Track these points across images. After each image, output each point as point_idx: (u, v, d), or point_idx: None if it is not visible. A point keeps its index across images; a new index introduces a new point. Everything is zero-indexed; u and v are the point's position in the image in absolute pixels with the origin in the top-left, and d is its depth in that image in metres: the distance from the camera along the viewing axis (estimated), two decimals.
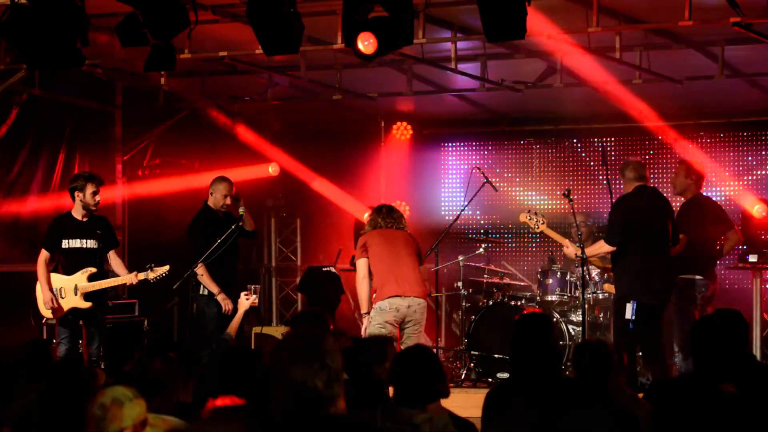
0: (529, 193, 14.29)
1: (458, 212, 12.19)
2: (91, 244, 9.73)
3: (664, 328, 9.51)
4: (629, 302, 9.04)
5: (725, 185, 13.20)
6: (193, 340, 10.00)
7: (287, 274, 15.17)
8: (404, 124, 14.45)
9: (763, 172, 13.32)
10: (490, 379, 10.97)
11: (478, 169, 12.44)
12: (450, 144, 14.69)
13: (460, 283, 11.78)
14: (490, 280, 12.12)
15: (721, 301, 9.95)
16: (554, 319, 10.83)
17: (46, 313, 9.82)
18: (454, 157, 14.70)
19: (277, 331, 11.86)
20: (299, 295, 14.71)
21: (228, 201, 10.15)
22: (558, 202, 13.66)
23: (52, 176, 11.95)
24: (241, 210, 9.98)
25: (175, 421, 4.91)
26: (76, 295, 9.62)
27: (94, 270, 9.67)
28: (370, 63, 8.93)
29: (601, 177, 13.15)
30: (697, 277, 9.81)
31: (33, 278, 10.12)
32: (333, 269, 13.30)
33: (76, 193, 9.71)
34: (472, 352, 11.18)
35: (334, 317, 11.35)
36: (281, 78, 11.82)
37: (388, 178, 14.52)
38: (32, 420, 4.93)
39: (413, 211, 14.37)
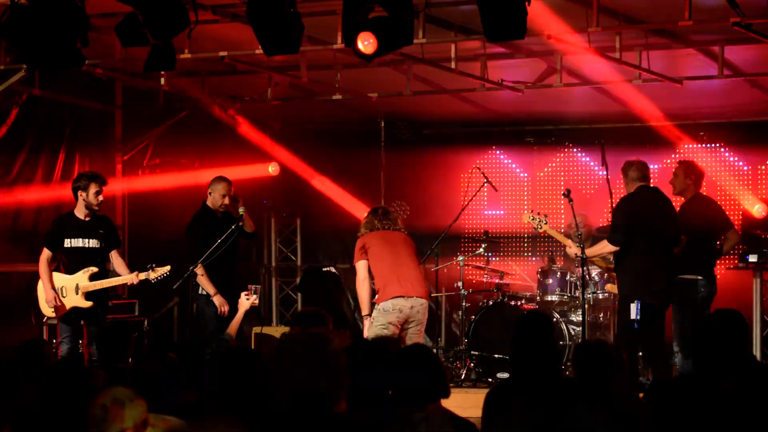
0: (529, 193, 14.29)
1: (458, 212, 12.18)
2: (93, 243, 9.74)
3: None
4: (633, 302, 9.03)
5: (725, 185, 13.20)
6: (193, 340, 10.00)
7: (287, 274, 15.17)
8: (403, 123, 14.44)
9: (763, 173, 13.31)
10: (490, 379, 10.97)
11: (478, 169, 12.45)
12: (449, 144, 14.68)
13: (460, 283, 11.77)
14: (490, 280, 12.12)
15: (721, 301, 9.94)
16: (554, 319, 10.84)
17: (48, 312, 9.83)
18: (454, 157, 14.68)
19: (277, 331, 11.87)
20: (299, 295, 14.71)
21: (226, 201, 10.15)
22: (558, 202, 13.66)
23: (52, 176, 11.95)
24: (241, 210, 9.98)
25: (175, 420, 4.91)
26: (77, 294, 9.63)
27: (95, 269, 9.68)
28: (370, 63, 8.93)
29: (600, 177, 13.15)
30: (697, 277, 9.81)
31: (33, 278, 10.13)
32: (333, 269, 13.30)
33: (79, 193, 9.72)
34: (472, 352, 11.18)
35: (334, 317, 11.34)
36: (281, 78, 11.82)
37: (388, 178, 14.52)
38: (32, 420, 4.93)
39: (413, 211, 14.37)
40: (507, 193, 14.25)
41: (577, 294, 11.18)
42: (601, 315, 11.52)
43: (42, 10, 7.73)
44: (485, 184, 12.22)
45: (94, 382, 5.07)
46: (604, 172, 10.28)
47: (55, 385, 4.90)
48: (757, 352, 11.35)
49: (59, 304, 9.60)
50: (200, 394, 5.55)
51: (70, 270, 9.70)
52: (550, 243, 13.81)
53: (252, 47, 8.82)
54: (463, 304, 11.74)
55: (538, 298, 11.61)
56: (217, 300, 9.89)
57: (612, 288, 9.93)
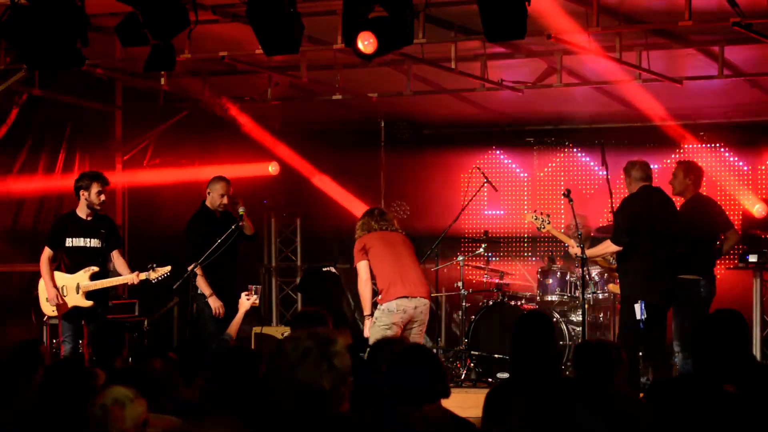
0: (529, 193, 14.29)
1: (458, 212, 12.18)
2: (94, 243, 9.75)
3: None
4: (637, 303, 9.03)
5: (725, 185, 13.20)
6: (193, 340, 9.99)
7: (287, 274, 15.17)
8: (404, 124, 14.46)
9: (763, 173, 13.32)
10: (490, 379, 10.97)
11: (478, 169, 12.45)
12: (449, 144, 14.68)
13: (460, 283, 11.78)
14: (490, 280, 12.12)
15: (721, 301, 9.94)
16: (554, 319, 10.84)
17: (48, 311, 9.82)
18: (453, 157, 14.69)
19: (277, 331, 11.86)
20: (299, 295, 14.71)
21: (225, 200, 10.14)
22: (558, 202, 13.66)
23: (52, 176, 11.95)
24: (241, 210, 9.97)
25: (175, 420, 4.91)
26: (78, 293, 9.64)
27: (96, 269, 9.68)
28: (370, 63, 8.92)
29: (600, 177, 13.15)
30: (697, 277, 9.81)
31: (33, 278, 10.13)
32: (333, 269, 13.30)
33: (81, 192, 9.73)
34: (472, 352, 11.18)
35: (334, 317, 11.34)
36: (281, 78, 11.82)
37: (388, 178, 14.52)
38: (32, 420, 4.93)
39: (413, 211, 14.38)
40: (507, 193, 14.25)
41: (577, 294, 11.18)
42: (601, 315, 11.52)
43: (42, 10, 7.72)
44: (485, 184, 12.22)
45: (94, 382, 5.08)
46: (604, 172, 10.28)
47: (55, 385, 4.90)
48: (757, 352, 11.35)
49: (61, 301, 9.60)
50: (200, 394, 5.55)
51: (71, 269, 9.71)
52: (550, 243, 13.82)
53: (252, 47, 8.82)
54: (463, 304, 11.74)
55: (538, 298, 11.62)
56: (213, 302, 9.87)
57: (614, 288, 9.93)
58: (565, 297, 11.44)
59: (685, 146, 13.40)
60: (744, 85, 11.84)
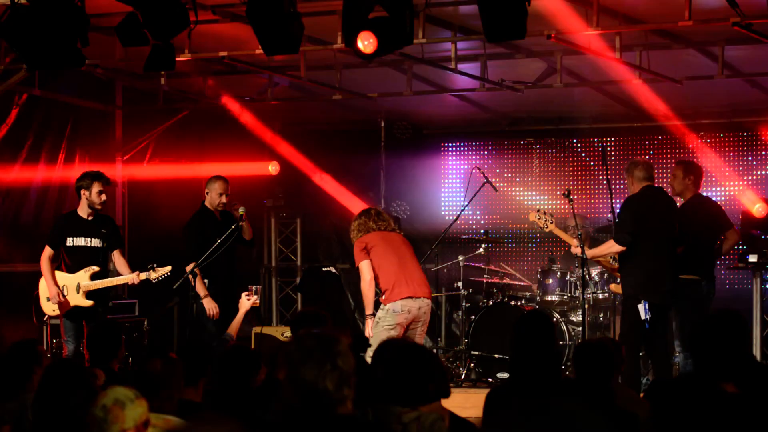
0: (529, 193, 14.30)
1: (458, 212, 12.18)
2: (95, 243, 9.75)
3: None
4: (640, 302, 9.02)
5: (725, 185, 13.21)
6: (194, 340, 9.98)
7: (287, 274, 15.17)
8: (404, 124, 14.47)
9: (763, 172, 13.33)
10: (490, 379, 10.97)
11: (478, 169, 12.45)
12: (450, 144, 14.69)
13: (460, 283, 11.78)
14: (490, 280, 12.12)
15: (721, 301, 9.95)
16: (554, 319, 10.84)
17: (49, 310, 9.81)
18: (454, 157, 14.70)
19: (277, 331, 11.86)
20: (299, 295, 14.71)
21: (224, 199, 10.13)
22: (558, 202, 13.66)
23: (52, 176, 11.95)
24: (241, 210, 9.95)
25: (175, 420, 4.91)
26: (78, 293, 9.64)
27: (97, 269, 9.68)
28: (370, 63, 8.92)
29: (601, 177, 13.16)
30: (696, 277, 9.81)
31: (34, 278, 10.13)
32: (333, 269, 13.30)
33: (82, 192, 9.73)
34: (472, 352, 11.19)
35: (334, 317, 11.35)
36: (281, 78, 11.82)
37: (388, 178, 14.53)
38: (31, 419, 4.93)
39: (413, 211, 14.39)
40: (507, 193, 14.26)
41: (577, 294, 11.18)
42: (601, 315, 11.52)
43: (42, 10, 7.72)
44: (485, 184, 12.22)
45: (94, 382, 5.08)
46: (605, 173, 10.28)
47: (54, 385, 4.90)
48: (757, 352, 11.36)
49: (63, 299, 9.60)
50: (204, 395, 5.55)
51: (72, 269, 9.71)
52: (550, 243, 13.83)
53: (252, 47, 8.82)
54: (463, 304, 11.74)
55: (538, 298, 11.62)
56: (207, 303, 9.85)
57: (616, 288, 9.92)
58: (565, 297, 11.44)
59: (685, 146, 13.41)
60: (744, 85, 11.84)
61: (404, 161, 14.44)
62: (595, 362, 5.65)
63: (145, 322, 11.32)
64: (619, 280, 9.86)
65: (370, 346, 9.19)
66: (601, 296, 11.31)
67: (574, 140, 14.08)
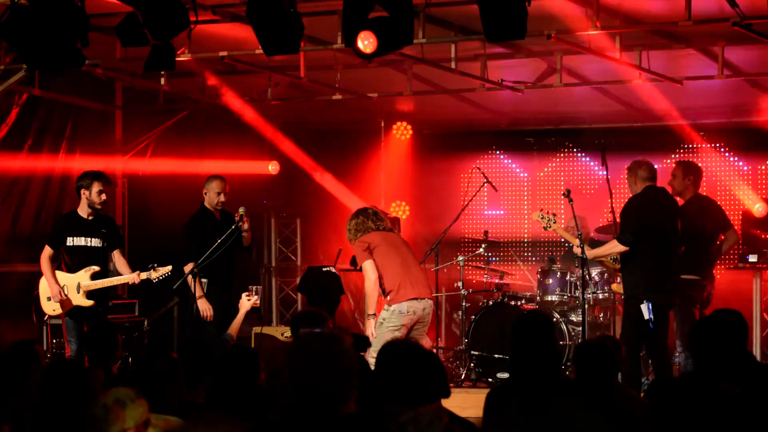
0: (529, 193, 14.30)
1: (458, 212, 12.19)
2: (95, 242, 9.75)
3: None
4: (643, 303, 9.02)
5: (725, 186, 13.21)
6: (195, 340, 9.98)
7: (287, 274, 15.17)
8: (404, 124, 14.48)
9: (763, 172, 13.33)
10: (490, 379, 10.97)
11: (478, 169, 12.45)
12: (450, 144, 14.69)
13: (460, 283, 11.78)
14: (490, 280, 12.12)
15: (721, 301, 9.95)
16: (554, 319, 10.84)
17: (49, 310, 9.81)
18: (454, 157, 14.70)
19: (277, 331, 11.85)
20: (299, 295, 14.71)
21: (222, 198, 10.13)
22: (558, 202, 13.67)
23: (52, 176, 11.95)
24: (241, 210, 9.93)
25: (175, 420, 4.91)
26: (78, 293, 9.63)
27: (97, 268, 9.68)
28: (370, 63, 8.92)
29: (600, 177, 13.16)
30: (696, 277, 9.81)
31: (34, 278, 10.13)
32: (333, 269, 13.30)
33: (82, 191, 9.73)
34: (472, 352, 11.18)
35: (334, 317, 11.36)
36: (281, 78, 11.82)
37: (388, 178, 14.53)
38: (31, 420, 4.93)
39: (413, 211, 14.39)
40: (507, 193, 14.27)
41: (577, 294, 11.18)
42: (601, 315, 11.52)
43: (42, 10, 7.73)
44: (485, 184, 12.22)
45: (94, 382, 5.07)
46: (604, 173, 10.28)
47: (54, 385, 4.90)
48: (757, 352, 11.36)
49: (65, 297, 9.59)
50: (203, 395, 5.55)
51: (72, 269, 9.71)
52: (550, 243, 13.84)
53: (252, 47, 8.82)
54: (463, 304, 11.74)
55: (538, 298, 11.62)
56: (201, 304, 9.84)
57: (617, 288, 9.93)
58: (565, 297, 11.44)
59: (685, 146, 13.41)
60: (744, 85, 11.84)
61: (404, 161, 14.44)
62: (595, 362, 5.65)
63: (145, 322, 11.32)
64: (619, 280, 9.86)
65: (370, 345, 9.19)
66: (601, 296, 11.31)
67: (574, 140, 14.08)
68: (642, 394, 7.67)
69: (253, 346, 11.13)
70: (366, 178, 14.49)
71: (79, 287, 9.64)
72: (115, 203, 12.58)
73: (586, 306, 10.24)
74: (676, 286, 9.35)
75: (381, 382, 4.83)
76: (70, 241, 9.71)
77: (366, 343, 9.38)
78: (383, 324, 8.99)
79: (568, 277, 11.45)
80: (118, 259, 9.85)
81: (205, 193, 10.21)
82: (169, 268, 9.66)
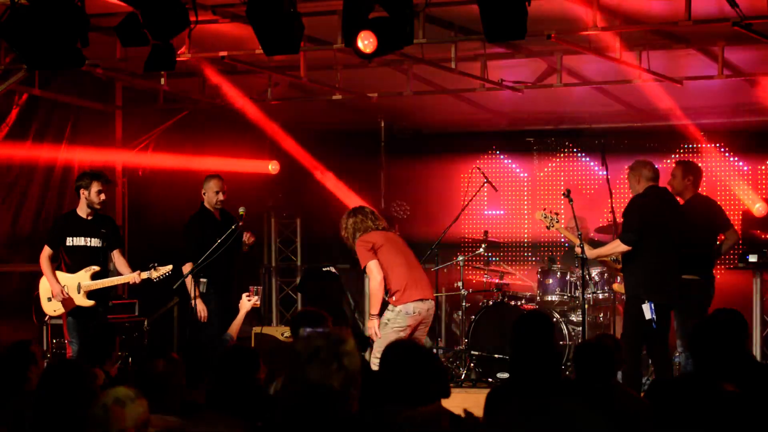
0: (529, 193, 14.30)
1: (458, 212, 12.19)
2: (95, 242, 9.75)
3: None
4: (645, 303, 9.01)
5: (725, 185, 13.21)
6: (195, 340, 9.98)
7: (287, 274, 15.18)
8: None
9: (763, 172, 13.33)
10: (490, 379, 10.97)
11: (478, 169, 12.45)
12: (450, 144, 14.69)
13: (460, 283, 11.78)
14: (490, 280, 12.12)
15: (721, 301, 9.94)
16: (554, 319, 10.84)
17: (50, 310, 9.80)
18: (454, 157, 14.70)
19: (277, 331, 11.86)
20: (299, 295, 14.71)
21: (221, 197, 10.14)
22: (558, 202, 13.67)
23: (52, 177, 11.95)
24: (241, 210, 9.92)
25: (175, 420, 4.91)
26: (79, 293, 9.63)
27: (97, 268, 9.68)
28: (370, 63, 8.92)
29: (600, 177, 13.16)
30: (696, 277, 9.81)
31: (34, 278, 10.12)
32: (333, 269, 13.30)
33: (81, 191, 9.73)
34: (472, 352, 11.18)
35: (333, 317, 11.36)
36: (281, 78, 11.82)
37: (388, 178, 14.53)
38: (30, 420, 4.93)
39: (413, 211, 14.39)
40: (507, 193, 14.27)
41: (577, 294, 11.19)
42: (601, 315, 11.52)
43: (42, 10, 7.72)
44: (485, 185, 12.22)
45: (94, 382, 5.07)
46: (604, 173, 10.28)
47: (54, 385, 4.90)
48: (757, 352, 11.36)
49: (67, 296, 9.58)
50: (202, 395, 5.55)
51: (72, 269, 9.70)
52: (550, 243, 13.84)
53: (252, 47, 8.82)
54: (463, 304, 11.75)
55: (538, 298, 11.62)
56: (197, 305, 9.84)
57: (618, 288, 9.92)
58: (565, 297, 11.44)
59: (685, 146, 13.41)
60: (744, 85, 11.84)
61: (404, 161, 14.44)
62: (595, 362, 5.65)
63: (145, 322, 11.31)
64: (620, 280, 9.85)
65: (370, 345, 9.19)
66: (601, 296, 11.31)
67: (574, 140, 14.08)
68: (642, 394, 7.67)
69: (253, 346, 11.14)
70: (366, 178, 14.48)
71: (79, 287, 9.63)
72: (115, 203, 12.58)
73: (586, 306, 10.24)
74: (678, 286, 9.35)
75: (384, 382, 4.83)
76: (69, 241, 9.71)
77: (366, 343, 9.39)
78: (388, 324, 8.92)
79: (568, 277, 11.45)
80: (117, 259, 9.85)
81: (204, 193, 10.21)
82: (170, 267, 9.66)
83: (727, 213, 10.71)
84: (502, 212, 14.40)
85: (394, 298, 8.96)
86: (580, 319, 10.67)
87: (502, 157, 14.47)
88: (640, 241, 9.15)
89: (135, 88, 12.65)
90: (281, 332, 10.92)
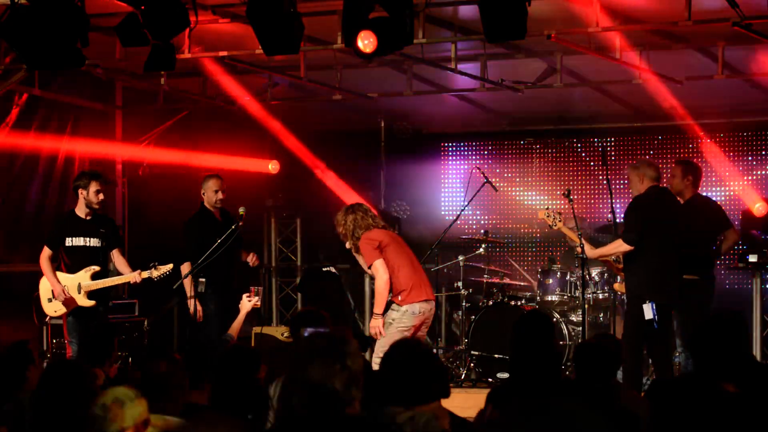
0: (529, 193, 14.30)
1: (458, 212, 12.18)
2: (94, 242, 9.74)
3: None
4: (646, 303, 9.01)
5: (725, 185, 13.21)
6: (196, 340, 9.98)
7: (287, 274, 15.17)
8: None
9: (763, 172, 13.33)
10: (490, 379, 10.97)
11: (478, 168, 12.44)
12: (450, 144, 14.70)
13: (460, 283, 11.78)
14: (490, 280, 12.11)
15: (721, 301, 9.94)
16: (554, 319, 10.84)
17: (50, 311, 9.80)
18: (454, 157, 14.71)
19: (277, 331, 11.86)
20: (299, 295, 14.71)
21: (221, 195, 10.13)
22: (558, 202, 13.67)
23: (52, 177, 11.95)
24: (241, 210, 9.92)
25: (175, 420, 4.91)
26: (79, 293, 9.63)
27: (97, 268, 9.67)
28: (370, 63, 8.92)
29: (601, 177, 13.16)
30: (696, 277, 9.81)
31: (34, 278, 10.12)
32: (333, 269, 13.30)
33: (79, 191, 9.72)
34: (472, 352, 11.18)
35: (333, 317, 11.35)
36: (281, 78, 11.82)
37: (388, 178, 14.53)
38: (29, 420, 4.93)
39: (413, 211, 14.39)
40: (507, 193, 14.25)
41: (577, 294, 11.18)
42: (601, 315, 11.52)
43: (42, 10, 7.72)
44: (485, 184, 12.22)
45: (94, 382, 5.08)
46: (605, 173, 10.28)
47: (54, 385, 4.90)
48: (757, 352, 11.36)
49: (69, 296, 9.58)
50: (206, 395, 5.55)
51: (72, 269, 9.70)
52: (550, 243, 13.83)
53: (252, 47, 8.82)
54: (463, 304, 11.74)
55: (538, 298, 11.62)
56: (193, 305, 9.83)
57: (619, 287, 9.92)
58: (565, 297, 11.44)
59: (685, 146, 13.41)
60: (744, 85, 11.84)
61: (404, 161, 14.44)
62: (595, 362, 5.64)
63: (145, 322, 11.32)
64: (620, 279, 9.85)
65: (370, 345, 9.18)
66: (601, 296, 11.30)
67: (574, 140, 14.08)
68: (642, 394, 7.66)
69: (253, 346, 11.15)
70: (366, 178, 14.48)
71: (79, 288, 9.63)
72: (115, 203, 12.59)
73: (586, 306, 10.24)
74: (679, 286, 9.35)
75: (386, 382, 4.83)
76: (69, 242, 9.70)
77: (366, 343, 9.38)
78: (393, 324, 8.84)
79: (568, 277, 11.45)
80: (117, 259, 9.85)
81: (203, 193, 10.21)
82: (170, 266, 9.66)
83: (727, 213, 10.71)
84: (502, 212, 14.39)
85: (399, 297, 8.88)
86: (580, 319, 10.67)
87: (502, 157, 14.47)
88: (641, 241, 9.15)
89: (135, 88, 12.66)
90: (281, 332, 10.93)
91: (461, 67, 10.72)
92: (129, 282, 9.77)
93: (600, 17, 8.95)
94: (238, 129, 13.31)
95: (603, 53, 10.08)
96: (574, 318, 11.40)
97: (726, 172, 13.28)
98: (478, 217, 14.41)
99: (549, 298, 11.51)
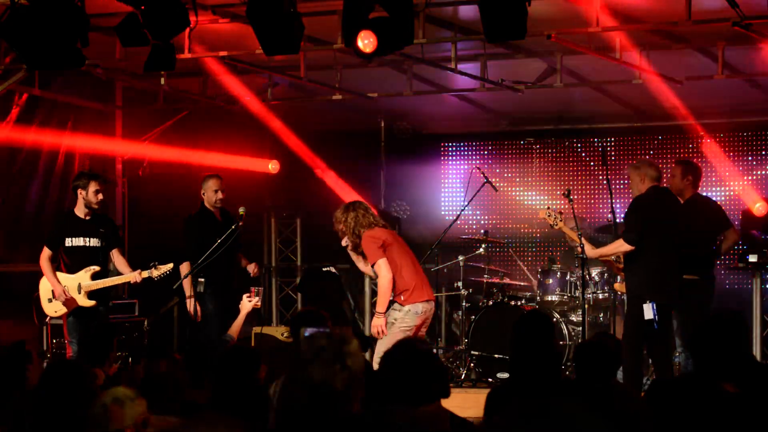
0: (529, 193, 14.30)
1: (458, 212, 12.18)
2: (94, 242, 9.74)
3: None
4: (646, 302, 9.01)
5: (725, 185, 13.21)
6: (196, 340, 9.99)
7: (287, 274, 15.17)
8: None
9: (764, 172, 13.33)
10: (490, 379, 10.97)
11: (478, 169, 12.44)
12: (450, 144, 14.70)
13: (460, 283, 11.78)
14: (490, 280, 12.11)
15: (721, 301, 9.94)
16: (554, 319, 10.84)
17: (51, 311, 9.80)
18: (454, 157, 14.70)
19: (277, 331, 11.86)
20: (299, 295, 14.71)
21: (221, 195, 10.14)
22: (558, 202, 13.66)
23: (52, 177, 11.95)
24: (241, 210, 9.92)
25: (175, 420, 4.91)
26: (79, 293, 9.63)
27: (97, 268, 9.68)
28: (370, 63, 8.92)
29: (601, 177, 13.16)
30: (695, 277, 9.81)
31: (34, 278, 10.12)
32: (333, 269, 13.30)
33: (78, 191, 9.73)
34: (472, 352, 11.18)
35: (333, 317, 11.35)
36: (281, 78, 11.82)
37: (388, 178, 14.52)
38: (30, 420, 4.93)
39: (413, 211, 14.38)
40: (507, 193, 14.25)
41: (577, 294, 11.18)
42: (601, 315, 11.52)
43: (42, 10, 7.73)
44: (485, 184, 12.21)
45: (94, 382, 5.08)
46: (605, 173, 10.28)
47: (54, 385, 4.90)
48: (757, 352, 11.36)
49: (69, 296, 9.58)
50: (206, 395, 5.55)
51: (72, 269, 9.70)
52: (550, 243, 13.83)
53: (252, 47, 8.82)
54: (463, 304, 11.74)
55: (538, 298, 11.62)
56: (190, 304, 9.83)
57: (620, 287, 9.92)
58: (565, 297, 11.44)
59: (685, 146, 13.41)
60: (744, 85, 11.85)
61: (404, 161, 14.43)
62: (595, 362, 5.64)
63: (145, 322, 11.32)
64: (620, 279, 9.84)
65: (371, 345, 9.17)
66: (601, 296, 11.30)
67: (574, 140, 14.08)
68: (642, 394, 7.66)
69: (253, 346, 11.14)
70: (366, 178, 14.47)
71: (79, 288, 9.63)
72: (115, 203, 12.58)
73: (586, 306, 10.24)
74: (679, 286, 9.35)
75: (386, 381, 4.82)
76: (68, 242, 9.70)
77: (366, 343, 9.38)
78: (395, 324, 8.80)
79: (568, 277, 11.45)
80: (117, 259, 9.85)
81: (203, 193, 10.22)
82: (170, 266, 9.66)
83: (728, 213, 10.71)
84: (502, 212, 14.39)
85: (402, 297, 8.84)
86: (580, 319, 10.67)
87: (502, 157, 14.47)
88: (642, 241, 9.15)
89: (135, 88, 12.66)
90: (281, 332, 10.93)
91: (461, 67, 10.72)
92: (129, 282, 9.77)
93: (600, 17, 8.95)
94: (238, 129, 13.30)
95: (603, 53, 10.08)
96: (574, 318, 11.40)
97: (726, 172, 13.27)
98: (478, 217, 14.41)
99: (549, 298, 11.51)
